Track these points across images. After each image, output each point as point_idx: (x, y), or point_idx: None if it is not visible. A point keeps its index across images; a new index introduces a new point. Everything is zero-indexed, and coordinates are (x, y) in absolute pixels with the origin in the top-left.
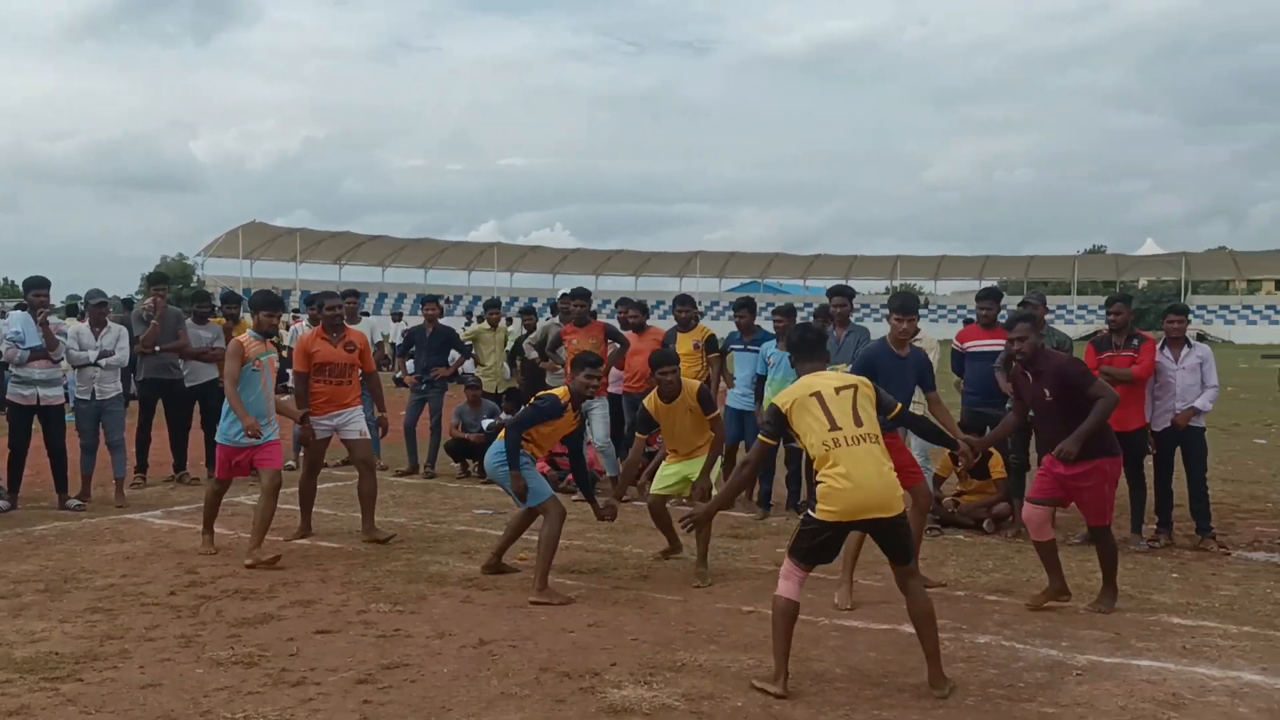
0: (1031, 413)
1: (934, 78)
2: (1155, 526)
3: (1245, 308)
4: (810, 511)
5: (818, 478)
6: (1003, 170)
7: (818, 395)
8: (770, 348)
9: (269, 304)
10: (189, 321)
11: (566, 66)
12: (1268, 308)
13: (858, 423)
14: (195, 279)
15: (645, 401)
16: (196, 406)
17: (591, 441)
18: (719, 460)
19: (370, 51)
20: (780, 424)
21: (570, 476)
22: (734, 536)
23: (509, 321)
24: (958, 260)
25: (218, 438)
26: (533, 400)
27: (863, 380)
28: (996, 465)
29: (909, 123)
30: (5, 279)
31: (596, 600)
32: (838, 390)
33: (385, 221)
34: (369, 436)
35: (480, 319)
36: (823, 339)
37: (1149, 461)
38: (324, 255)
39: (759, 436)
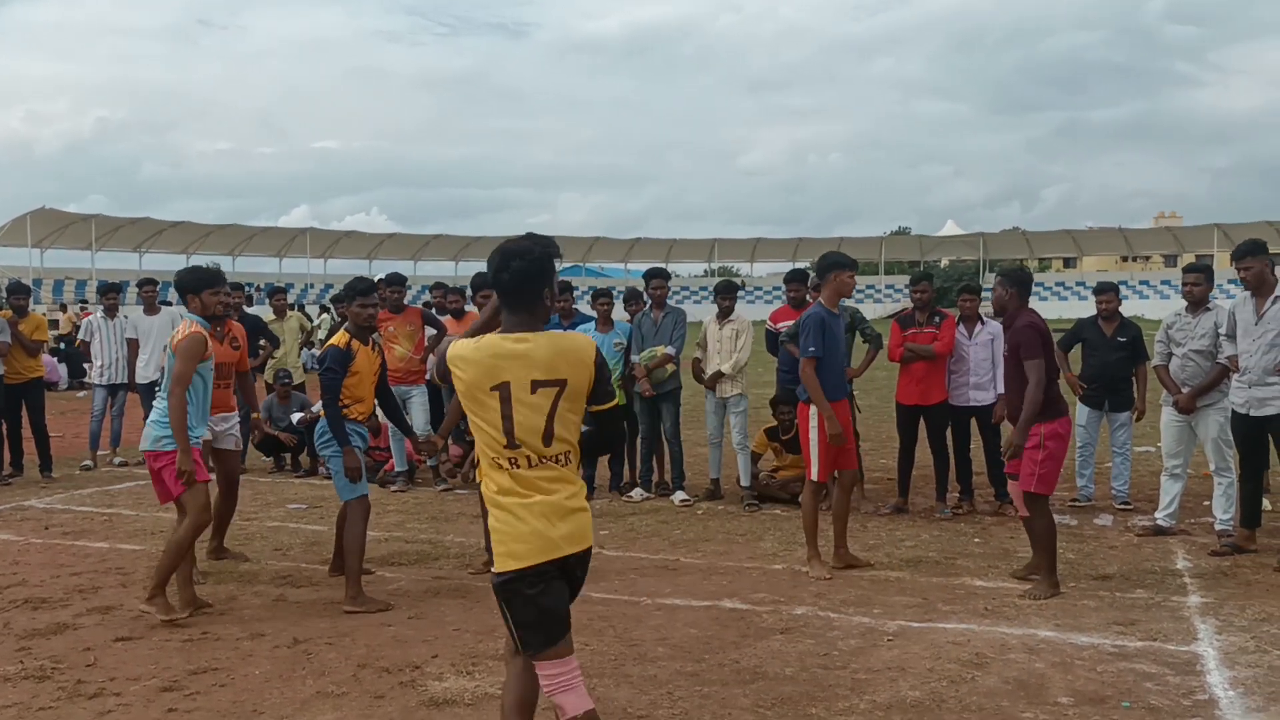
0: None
1: (747, 65)
2: (958, 494)
3: (1037, 285)
4: (494, 569)
5: (493, 508)
6: (814, 155)
7: (503, 388)
8: (589, 330)
9: (210, 280)
10: None
11: (379, 48)
12: (1057, 284)
13: (548, 440)
14: None
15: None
16: None
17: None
18: None
19: (168, 29)
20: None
21: (388, 466)
22: None
23: (323, 309)
24: (772, 242)
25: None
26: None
27: (580, 369)
28: None
29: (724, 109)
30: None
31: (417, 592)
32: (534, 386)
33: (189, 207)
34: (241, 447)
35: (325, 309)
36: (544, 278)
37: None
38: (122, 243)
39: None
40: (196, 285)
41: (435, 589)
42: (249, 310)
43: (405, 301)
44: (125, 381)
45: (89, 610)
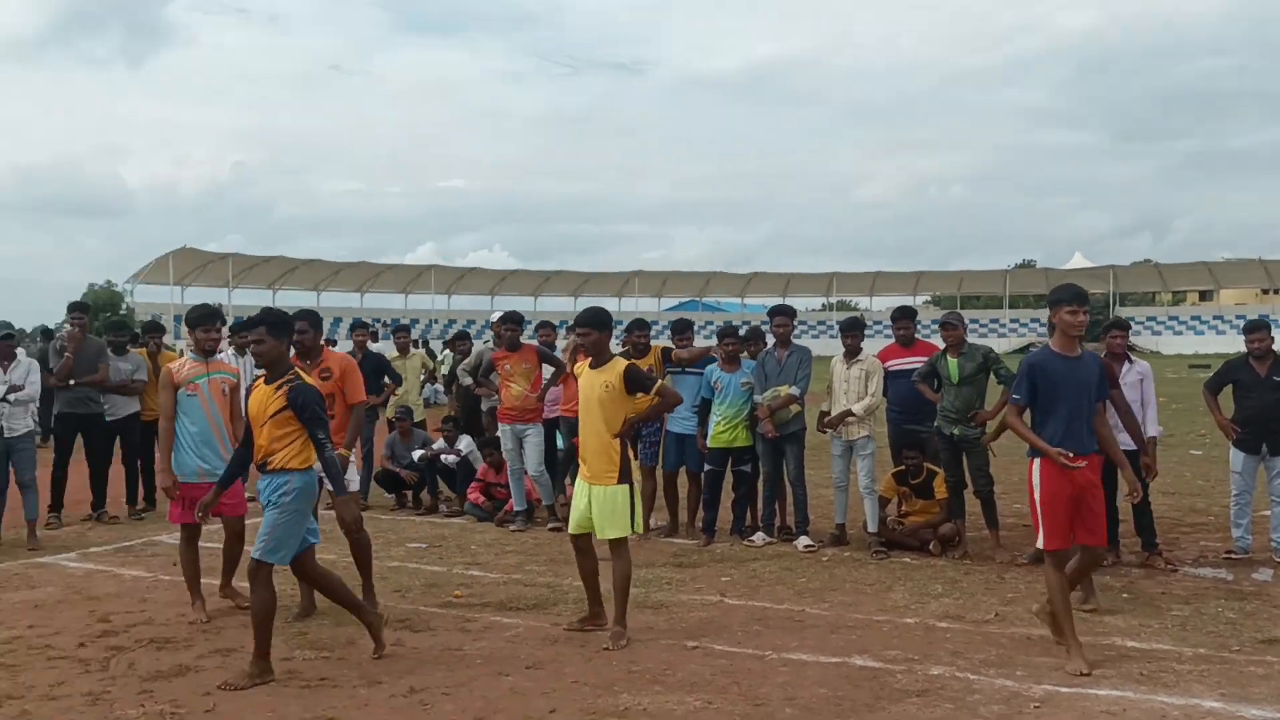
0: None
1: (865, 98)
2: None
3: (1171, 319)
4: None
5: None
6: (935, 188)
7: None
8: (714, 371)
9: (204, 318)
10: (109, 352)
11: (500, 88)
12: (1192, 318)
13: None
14: (124, 306)
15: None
16: (118, 441)
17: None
18: (637, 496)
19: (302, 75)
20: None
21: (508, 507)
22: (678, 566)
23: (445, 345)
24: (892, 276)
25: (175, 471)
26: (301, 405)
27: None
28: (940, 485)
29: (840, 142)
30: None
31: (535, 640)
32: None
33: (320, 246)
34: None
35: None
36: None
37: None
38: (257, 280)
39: None
40: (189, 324)
41: (553, 637)
42: (373, 347)
43: (522, 339)
44: None
45: (211, 652)
